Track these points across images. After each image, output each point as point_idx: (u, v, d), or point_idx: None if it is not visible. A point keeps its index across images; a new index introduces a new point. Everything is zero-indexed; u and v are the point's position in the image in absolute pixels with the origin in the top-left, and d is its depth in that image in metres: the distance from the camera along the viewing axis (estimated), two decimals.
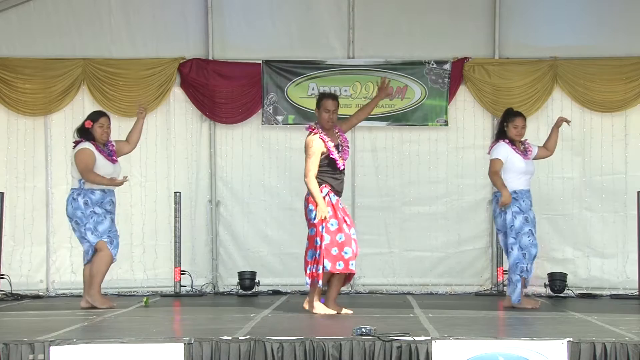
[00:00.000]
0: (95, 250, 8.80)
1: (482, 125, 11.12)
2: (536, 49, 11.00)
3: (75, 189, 8.83)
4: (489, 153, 8.93)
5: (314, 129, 8.38)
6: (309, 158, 8.29)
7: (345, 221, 8.26)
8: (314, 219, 8.19)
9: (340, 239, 8.18)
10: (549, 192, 10.80)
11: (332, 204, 8.23)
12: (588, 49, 10.92)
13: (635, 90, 10.87)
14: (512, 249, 8.61)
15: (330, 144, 8.30)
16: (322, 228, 8.12)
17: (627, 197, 10.80)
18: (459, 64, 11.02)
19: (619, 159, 10.92)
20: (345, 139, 8.51)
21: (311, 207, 8.21)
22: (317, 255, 8.17)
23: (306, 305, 8.36)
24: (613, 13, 10.94)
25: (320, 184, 8.24)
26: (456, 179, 11.13)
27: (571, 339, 6.10)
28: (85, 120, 9.02)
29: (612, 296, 10.50)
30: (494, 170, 8.69)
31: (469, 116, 11.11)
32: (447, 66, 11.02)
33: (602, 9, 10.99)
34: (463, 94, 11.11)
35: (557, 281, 10.38)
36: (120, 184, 8.86)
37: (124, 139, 9.34)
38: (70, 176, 9.13)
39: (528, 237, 8.59)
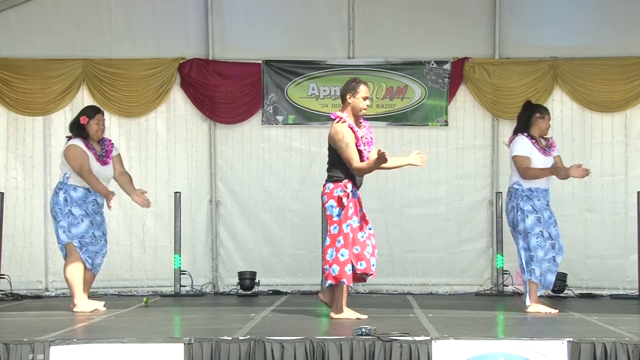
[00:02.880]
0: (66, 252, 8.53)
1: (482, 125, 11.13)
2: (536, 49, 11.00)
3: (59, 182, 8.57)
4: (508, 146, 8.58)
5: (341, 118, 7.76)
6: (347, 148, 7.62)
7: (365, 219, 7.88)
8: (338, 215, 7.69)
9: (361, 237, 7.76)
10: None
11: (355, 201, 7.76)
12: (588, 49, 10.92)
13: (635, 90, 10.88)
14: (520, 250, 8.38)
15: (358, 135, 7.76)
16: (347, 226, 7.66)
17: (627, 198, 10.80)
18: (459, 64, 11.03)
19: (619, 159, 10.93)
20: (370, 129, 7.96)
21: (332, 202, 7.69)
22: (339, 255, 7.67)
23: (334, 313, 7.75)
24: (613, 13, 10.95)
25: (342, 179, 7.71)
26: (456, 180, 11.13)
27: (571, 339, 6.09)
28: (80, 115, 8.70)
29: (612, 296, 10.50)
30: (524, 167, 8.31)
31: (469, 116, 11.12)
32: (447, 66, 11.02)
33: (602, 9, 11.00)
34: (463, 94, 11.12)
35: (557, 281, 10.26)
36: (110, 199, 8.42)
37: (122, 165, 8.89)
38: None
39: (537, 238, 8.32)
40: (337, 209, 7.72)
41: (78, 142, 8.55)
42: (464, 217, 11.12)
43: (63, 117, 10.98)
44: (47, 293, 10.84)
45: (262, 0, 11.18)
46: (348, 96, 7.84)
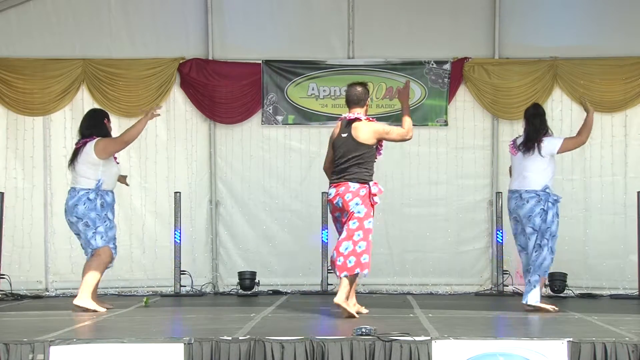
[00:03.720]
0: (95, 254, 8.63)
1: (482, 125, 11.13)
2: (536, 49, 11.00)
3: (90, 189, 8.56)
4: (539, 145, 8.52)
5: (368, 118, 8.17)
6: (393, 130, 8.15)
7: None
8: (360, 212, 7.86)
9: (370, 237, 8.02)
10: None
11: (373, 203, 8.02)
12: (588, 49, 10.93)
13: (635, 90, 10.89)
14: (543, 249, 8.43)
15: None
16: (369, 222, 7.88)
17: (626, 198, 10.80)
18: (459, 64, 11.03)
19: (619, 159, 10.93)
20: None
21: (358, 200, 7.86)
22: (356, 247, 7.82)
23: (349, 308, 7.80)
24: (613, 13, 10.95)
25: (367, 181, 7.94)
26: (456, 180, 11.13)
27: (571, 339, 6.09)
28: (103, 118, 8.85)
29: (612, 296, 10.50)
30: (574, 138, 8.71)
31: (469, 116, 11.12)
32: (447, 66, 11.03)
33: (601, 9, 11.00)
34: (463, 94, 11.12)
35: (557, 281, 10.38)
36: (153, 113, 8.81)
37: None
38: (67, 177, 8.94)
39: (555, 242, 8.54)
40: (362, 206, 7.87)
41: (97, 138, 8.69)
42: (464, 217, 11.12)
43: (63, 117, 10.99)
44: (47, 293, 10.84)
45: (262, 0, 11.18)
46: (369, 100, 8.27)
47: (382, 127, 8.17)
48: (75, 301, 8.51)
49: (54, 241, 10.95)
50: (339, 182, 7.99)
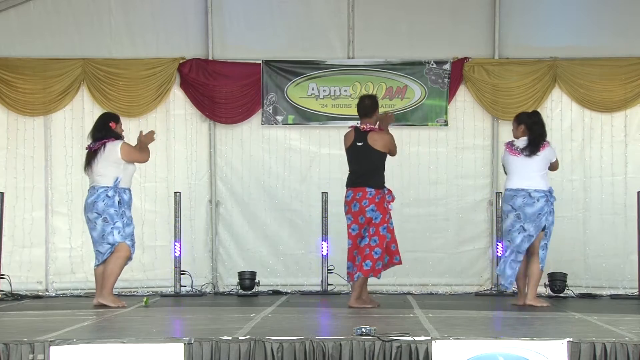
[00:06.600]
0: (114, 250, 8.88)
1: (482, 125, 11.13)
2: (536, 49, 11.01)
3: (109, 187, 8.84)
4: (540, 151, 8.80)
5: (380, 128, 8.71)
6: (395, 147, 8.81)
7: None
8: (376, 219, 8.52)
9: (388, 237, 8.71)
10: None
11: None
12: (588, 50, 10.93)
13: (635, 90, 10.89)
14: (543, 248, 8.77)
15: None
16: (384, 229, 8.57)
17: (626, 198, 10.80)
18: (459, 64, 11.03)
19: (619, 159, 10.93)
20: None
21: (374, 207, 8.51)
22: (372, 253, 8.56)
23: (366, 305, 8.59)
24: (613, 14, 10.96)
25: (382, 187, 8.62)
26: (456, 180, 11.13)
27: (571, 339, 6.09)
28: (109, 121, 9.00)
29: (612, 296, 10.51)
30: (556, 162, 9.04)
31: (469, 116, 11.12)
32: (447, 66, 11.02)
33: (601, 10, 11.00)
34: (463, 94, 11.12)
35: (557, 281, 10.38)
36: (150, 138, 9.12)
37: None
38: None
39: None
40: (377, 212, 8.52)
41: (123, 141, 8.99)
42: (464, 217, 11.12)
43: (63, 117, 10.99)
44: (47, 293, 10.84)
45: (262, 0, 11.18)
46: (378, 109, 8.81)
47: (391, 141, 8.69)
48: (101, 300, 8.84)
49: (54, 241, 10.95)
50: (356, 186, 8.56)
